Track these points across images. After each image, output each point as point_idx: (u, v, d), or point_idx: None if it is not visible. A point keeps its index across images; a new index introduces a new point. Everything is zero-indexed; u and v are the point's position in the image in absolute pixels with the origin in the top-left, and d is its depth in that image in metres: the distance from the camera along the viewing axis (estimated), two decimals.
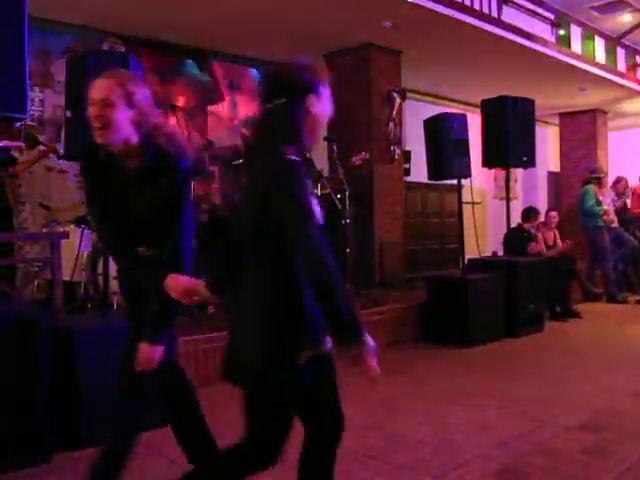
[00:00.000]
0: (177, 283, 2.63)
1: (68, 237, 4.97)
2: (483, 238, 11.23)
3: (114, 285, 5.25)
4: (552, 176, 14.87)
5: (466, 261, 7.79)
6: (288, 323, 2.10)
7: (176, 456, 3.14)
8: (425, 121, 7.76)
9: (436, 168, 7.54)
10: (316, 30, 8.07)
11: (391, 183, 9.02)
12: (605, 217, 10.00)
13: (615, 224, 10.23)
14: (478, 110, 8.24)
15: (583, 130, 13.48)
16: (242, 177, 2.30)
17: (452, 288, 7.08)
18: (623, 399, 4.85)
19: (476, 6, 8.02)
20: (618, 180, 11.05)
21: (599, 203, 10.00)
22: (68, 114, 4.30)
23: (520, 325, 7.34)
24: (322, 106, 2.20)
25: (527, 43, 8.89)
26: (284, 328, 2.10)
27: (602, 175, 10.50)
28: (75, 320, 4.77)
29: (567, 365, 6.01)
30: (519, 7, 8.64)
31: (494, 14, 8.27)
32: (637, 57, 11.50)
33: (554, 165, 14.62)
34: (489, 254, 10.58)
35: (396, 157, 9.07)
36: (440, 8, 7.54)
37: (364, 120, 8.83)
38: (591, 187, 10.09)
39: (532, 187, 14.55)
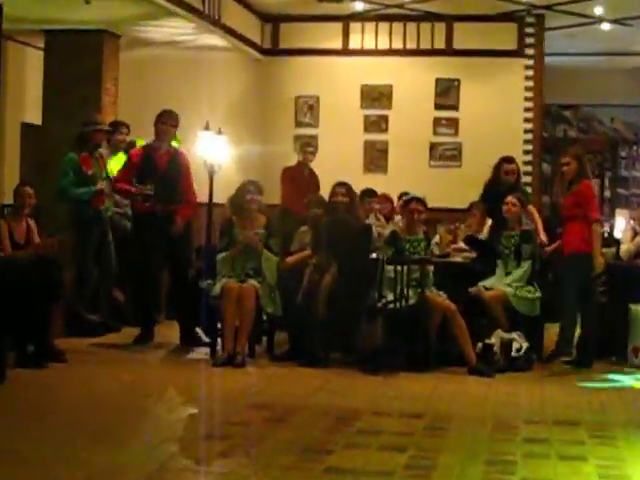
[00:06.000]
0: None
1: None
2: None
3: None
4: (29, 130, 10.16)
5: None
6: None
7: None
8: None
9: None
10: None
11: None
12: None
13: None
14: None
15: (83, 59, 9.46)
16: None
17: None
18: None
19: None
20: None
21: (88, 177, 7.24)
22: None
23: None
24: None
25: None
26: None
27: (104, 129, 7.65)
28: None
29: None
30: None
31: None
32: None
33: (34, 114, 9.97)
34: None
35: None
36: None
37: None
38: (74, 155, 7.27)
39: None
